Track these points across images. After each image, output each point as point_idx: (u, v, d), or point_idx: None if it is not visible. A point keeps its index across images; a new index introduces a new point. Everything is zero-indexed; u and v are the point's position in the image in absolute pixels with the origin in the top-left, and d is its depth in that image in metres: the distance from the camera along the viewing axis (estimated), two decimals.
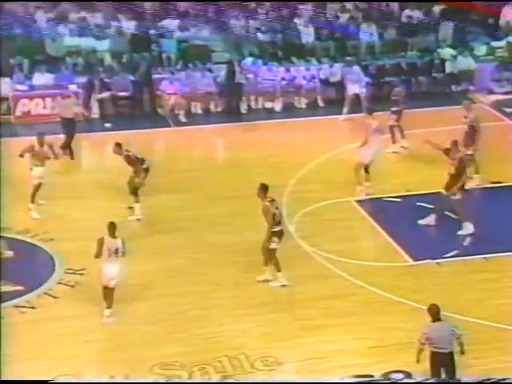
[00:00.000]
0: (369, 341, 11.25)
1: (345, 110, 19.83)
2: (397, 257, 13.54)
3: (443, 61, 21.97)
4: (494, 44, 22.91)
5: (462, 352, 9.85)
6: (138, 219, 14.80)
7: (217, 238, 14.16)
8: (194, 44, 21.88)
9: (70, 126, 17.74)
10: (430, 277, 12.85)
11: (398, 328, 11.26)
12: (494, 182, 15.97)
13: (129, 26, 22.10)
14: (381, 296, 12.24)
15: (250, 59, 21.10)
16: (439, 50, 22.26)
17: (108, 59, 21.22)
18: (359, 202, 15.33)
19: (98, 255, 11.67)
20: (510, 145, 17.37)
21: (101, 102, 20.16)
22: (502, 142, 17.60)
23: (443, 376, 9.86)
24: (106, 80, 20.32)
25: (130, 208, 14.89)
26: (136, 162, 14.76)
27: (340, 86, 21.18)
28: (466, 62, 21.83)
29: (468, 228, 13.93)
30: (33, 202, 14.92)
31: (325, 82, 21.31)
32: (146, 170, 14.87)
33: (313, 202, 15.22)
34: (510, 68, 22.10)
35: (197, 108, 20.48)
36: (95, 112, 20.08)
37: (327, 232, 14.21)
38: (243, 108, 20.63)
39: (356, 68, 20.75)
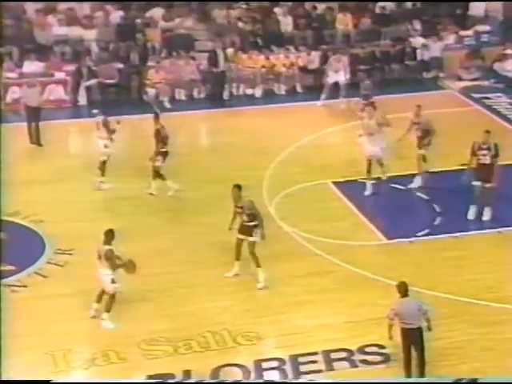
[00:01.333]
0: (346, 316, 11.25)
1: (323, 96, 19.68)
2: (372, 236, 13.54)
3: (414, 49, 21.94)
4: (462, 33, 22.89)
5: (429, 328, 9.81)
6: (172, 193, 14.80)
7: (201, 219, 14.08)
8: (178, 33, 21.70)
9: (34, 115, 17.40)
10: (403, 255, 12.86)
11: (374, 304, 11.24)
12: (463, 164, 15.94)
13: (115, 15, 21.84)
14: (357, 273, 12.23)
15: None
16: (411, 39, 22.21)
17: (95, 48, 20.98)
18: (336, 183, 15.28)
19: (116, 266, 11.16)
20: (477, 128, 17.34)
21: (88, 89, 19.96)
22: (471, 127, 17.59)
23: (413, 351, 9.77)
24: (93, 68, 20.10)
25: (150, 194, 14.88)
26: (158, 142, 14.61)
27: (318, 73, 21.13)
28: (435, 51, 21.80)
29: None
30: (103, 175, 15.14)
31: (303, 70, 21.22)
32: (165, 154, 14.69)
33: (292, 184, 15.17)
34: (478, 56, 22.09)
35: (181, 95, 20.35)
36: (83, 99, 19.91)
37: (306, 213, 14.16)
38: (225, 94, 20.52)
39: (344, 57, 20.41)
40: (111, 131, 15.20)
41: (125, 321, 11.20)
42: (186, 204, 14.67)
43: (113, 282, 11.13)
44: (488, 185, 13.51)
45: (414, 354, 9.81)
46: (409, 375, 9.78)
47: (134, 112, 18.79)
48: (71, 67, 20.12)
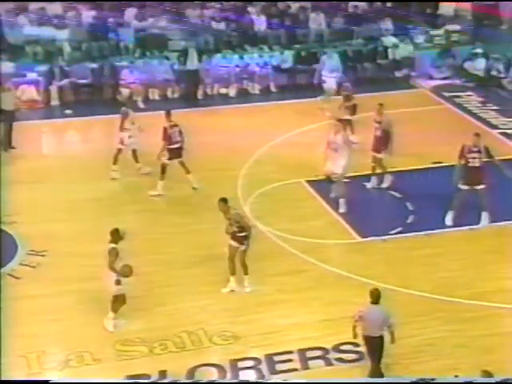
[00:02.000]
0: (321, 314, 11.26)
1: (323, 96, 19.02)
2: (345, 234, 13.56)
3: (386, 48, 22.06)
4: (433, 32, 23.06)
5: (392, 341, 9.74)
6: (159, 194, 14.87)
7: (176, 218, 14.04)
8: (151, 33, 21.58)
9: (9, 118, 17.17)
10: (376, 253, 12.91)
11: (348, 302, 11.26)
12: (435, 163, 16.08)
13: (88, 15, 21.66)
14: (331, 272, 12.26)
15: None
16: (382, 38, 22.33)
17: (67, 48, 20.80)
18: (310, 182, 15.29)
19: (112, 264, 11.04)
20: (448, 127, 17.51)
21: (61, 89, 19.76)
22: (442, 125, 17.77)
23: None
24: (65, 68, 19.93)
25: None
26: (165, 138, 14.80)
27: (291, 72, 21.16)
28: (406, 50, 21.93)
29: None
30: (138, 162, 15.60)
31: (276, 69, 21.22)
32: (172, 151, 14.82)
33: (267, 183, 15.16)
34: (448, 55, 22.27)
35: (154, 94, 20.25)
36: (55, 99, 19.72)
37: (280, 212, 14.16)
38: (199, 94, 20.47)
39: (336, 56, 20.14)
40: (134, 124, 15.55)
41: (100, 321, 11.10)
42: (162, 204, 14.60)
43: (118, 283, 10.96)
44: (479, 187, 13.43)
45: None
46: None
47: (108, 112, 18.67)
48: (43, 67, 19.90)
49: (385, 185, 15.13)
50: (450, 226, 13.60)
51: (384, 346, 9.71)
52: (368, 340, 9.68)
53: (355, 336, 9.82)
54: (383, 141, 14.86)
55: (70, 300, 11.55)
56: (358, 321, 9.68)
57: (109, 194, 14.83)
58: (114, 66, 20.42)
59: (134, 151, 15.69)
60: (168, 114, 15.16)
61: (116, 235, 11.11)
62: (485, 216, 13.60)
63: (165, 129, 14.94)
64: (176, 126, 15.09)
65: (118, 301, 11.07)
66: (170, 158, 14.93)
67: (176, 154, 14.99)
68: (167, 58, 20.77)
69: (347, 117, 16.31)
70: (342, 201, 14.14)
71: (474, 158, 13.41)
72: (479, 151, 13.46)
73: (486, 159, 13.46)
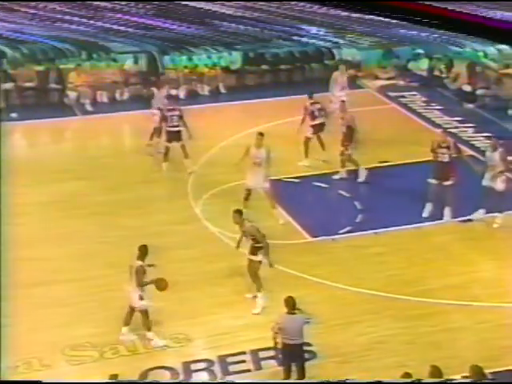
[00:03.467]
0: (273, 315, 11.13)
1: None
2: (296, 234, 13.59)
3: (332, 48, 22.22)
4: None
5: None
6: None
7: (127, 221, 13.87)
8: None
9: None
10: (327, 252, 12.96)
11: (301, 302, 11.08)
12: (381, 162, 16.25)
13: None
14: (283, 272, 12.25)
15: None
16: (330, 39, 22.48)
17: (10, 51, 20.38)
18: None
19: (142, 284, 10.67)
20: (394, 127, 17.72)
21: (6, 92, 19.32)
22: (388, 124, 17.96)
23: (293, 368, 9.68)
24: (9, 71, 19.51)
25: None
26: (161, 122, 15.55)
27: (240, 73, 21.11)
28: (352, 50, 22.13)
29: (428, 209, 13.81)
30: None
31: (226, 70, 21.15)
32: (171, 134, 15.48)
33: (217, 184, 15.09)
34: (393, 55, 22.54)
35: (102, 97, 19.97)
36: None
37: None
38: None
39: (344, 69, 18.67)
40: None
41: (49, 327, 10.91)
42: (112, 207, 14.41)
43: (141, 298, 10.65)
44: (446, 183, 13.61)
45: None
46: None
47: (54, 115, 18.34)
48: None
49: (361, 179, 15.22)
50: (396, 225, 13.73)
51: (304, 354, 9.75)
52: (288, 348, 9.60)
53: (276, 345, 9.75)
54: (348, 136, 15.09)
55: (18, 305, 11.24)
56: (278, 332, 9.61)
57: (59, 198, 14.57)
58: (59, 68, 20.03)
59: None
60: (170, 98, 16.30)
61: (144, 252, 10.73)
62: (448, 211, 13.79)
63: (161, 110, 15.66)
64: (174, 110, 15.56)
65: (145, 316, 10.76)
66: (169, 141, 15.46)
67: (175, 136, 15.41)
68: (115, 60, 20.49)
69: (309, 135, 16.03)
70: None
71: (444, 153, 13.63)
72: (448, 147, 13.68)
73: (455, 155, 13.67)
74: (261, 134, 13.98)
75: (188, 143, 15.80)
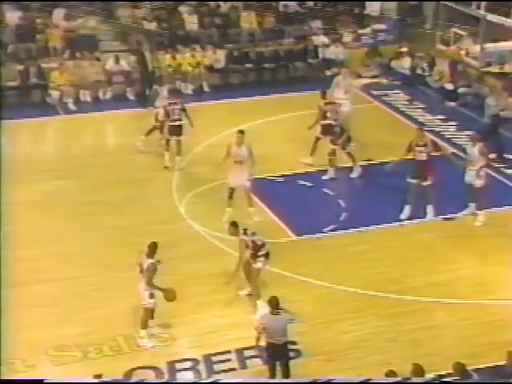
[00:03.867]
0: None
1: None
2: (281, 233, 13.59)
3: (316, 47, 22.25)
4: (361, 31, 23.39)
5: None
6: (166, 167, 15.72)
7: (109, 221, 13.83)
8: (81, 34, 21.17)
9: None
10: (311, 251, 12.98)
11: (285, 300, 11.14)
12: (365, 160, 16.31)
13: (14, 16, 21.05)
14: (267, 271, 12.21)
15: None
16: (313, 38, 22.51)
17: None
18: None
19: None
20: (378, 125, 17.78)
21: None
22: (371, 123, 18.01)
23: (278, 367, 9.67)
24: None
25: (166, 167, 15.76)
26: (167, 115, 15.61)
27: (224, 72, 21.10)
28: (336, 49, 22.18)
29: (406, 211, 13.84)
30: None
31: (209, 69, 21.13)
32: (172, 128, 15.58)
33: (202, 183, 15.08)
34: (376, 54, 22.63)
35: (86, 96, 19.86)
36: None
37: (216, 212, 14.07)
38: (131, 95, 20.19)
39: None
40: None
41: (33, 327, 10.85)
42: (95, 207, 14.35)
43: (151, 297, 10.66)
44: (425, 183, 13.66)
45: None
46: None
47: (36, 115, 18.24)
48: None
49: (354, 175, 15.39)
50: (379, 223, 13.78)
51: (289, 353, 9.78)
52: (273, 347, 9.62)
53: (260, 345, 9.77)
54: (340, 136, 15.19)
55: (1, 306, 11.17)
56: (262, 332, 9.63)
57: (42, 197, 14.49)
58: (41, 67, 19.87)
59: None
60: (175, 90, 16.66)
61: (154, 249, 10.69)
62: (430, 210, 13.84)
63: (164, 107, 15.73)
64: (176, 103, 15.68)
65: (147, 315, 10.76)
66: (170, 134, 15.58)
67: (176, 131, 15.56)
68: (98, 59, 20.41)
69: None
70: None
71: (421, 152, 13.66)
72: (425, 145, 13.73)
73: (433, 153, 13.72)
74: (241, 132, 13.92)
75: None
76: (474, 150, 13.68)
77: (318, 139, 15.84)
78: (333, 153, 15.42)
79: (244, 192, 13.81)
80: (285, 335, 9.62)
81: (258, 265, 11.40)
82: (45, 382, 9.64)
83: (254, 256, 11.37)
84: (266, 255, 11.45)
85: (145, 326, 10.79)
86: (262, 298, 11.33)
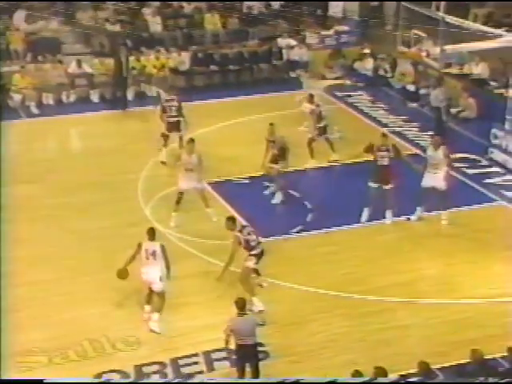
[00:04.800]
0: (226, 315, 11.05)
1: None
2: None
3: (281, 49, 22.30)
4: (324, 33, 23.52)
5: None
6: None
7: (77, 224, 13.71)
8: (43, 36, 20.90)
9: None
10: (279, 252, 12.93)
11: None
12: (330, 161, 16.39)
13: None
14: (235, 273, 12.20)
15: None
16: (278, 39, 22.55)
17: None
18: (211, 184, 15.23)
19: (132, 259, 11.07)
20: (342, 126, 17.87)
21: None
22: (335, 124, 18.05)
23: (248, 369, 9.70)
24: None
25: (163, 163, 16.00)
26: (163, 112, 15.94)
27: (189, 74, 21.01)
28: (300, 50, 22.27)
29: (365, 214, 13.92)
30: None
31: (174, 71, 21.02)
32: (169, 124, 15.87)
33: (167, 186, 14.97)
34: (340, 55, 22.75)
35: (48, 99, 19.61)
36: None
37: (182, 214, 14.01)
38: (95, 97, 20.00)
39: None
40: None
41: None
42: (62, 210, 14.22)
43: (161, 279, 10.87)
44: (386, 187, 13.74)
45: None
46: None
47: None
48: None
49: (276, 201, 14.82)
50: (345, 224, 13.85)
51: (258, 354, 9.80)
52: (242, 348, 9.62)
53: (228, 347, 9.79)
54: (281, 157, 14.79)
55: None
56: (230, 334, 9.63)
57: (6, 201, 14.22)
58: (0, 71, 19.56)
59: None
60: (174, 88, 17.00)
61: (153, 232, 11.15)
62: (389, 214, 13.95)
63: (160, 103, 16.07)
64: (172, 100, 15.87)
65: (163, 298, 10.98)
66: (168, 130, 15.78)
67: (174, 127, 15.79)
68: (60, 62, 20.15)
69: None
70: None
71: (383, 156, 13.75)
72: (387, 150, 13.83)
73: (393, 157, 13.81)
74: (192, 141, 14.01)
75: (136, 146, 15.67)
76: (439, 153, 13.76)
77: (312, 141, 16.00)
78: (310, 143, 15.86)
79: (199, 194, 13.84)
80: (253, 336, 9.61)
81: (249, 264, 11.41)
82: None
83: (247, 254, 11.40)
84: (259, 255, 11.47)
85: (160, 310, 10.94)
86: (232, 299, 11.26)
